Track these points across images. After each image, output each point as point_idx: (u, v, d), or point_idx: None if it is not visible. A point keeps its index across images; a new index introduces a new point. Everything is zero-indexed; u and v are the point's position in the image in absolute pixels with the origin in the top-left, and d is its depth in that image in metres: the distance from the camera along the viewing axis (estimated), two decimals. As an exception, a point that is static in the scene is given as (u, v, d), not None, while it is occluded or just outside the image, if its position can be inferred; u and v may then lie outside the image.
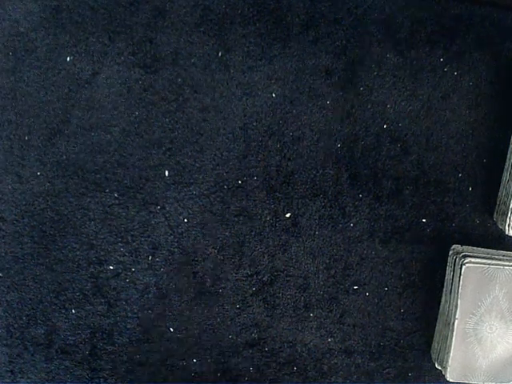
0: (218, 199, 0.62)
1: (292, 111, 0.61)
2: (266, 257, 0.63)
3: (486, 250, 0.64)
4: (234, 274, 0.63)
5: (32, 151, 0.59)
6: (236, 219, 0.62)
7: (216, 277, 0.63)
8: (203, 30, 0.59)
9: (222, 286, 0.63)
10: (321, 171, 0.63)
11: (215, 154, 0.61)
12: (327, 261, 0.64)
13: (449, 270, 0.64)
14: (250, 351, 0.64)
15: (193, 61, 0.60)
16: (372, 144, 0.63)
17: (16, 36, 0.57)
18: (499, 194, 0.64)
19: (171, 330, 0.63)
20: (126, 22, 0.58)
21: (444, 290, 0.64)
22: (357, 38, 0.61)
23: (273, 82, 0.61)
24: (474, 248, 0.64)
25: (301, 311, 0.64)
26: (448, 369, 0.62)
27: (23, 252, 0.60)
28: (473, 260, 0.60)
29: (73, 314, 0.61)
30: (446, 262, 0.64)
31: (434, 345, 0.65)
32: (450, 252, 0.64)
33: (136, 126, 0.60)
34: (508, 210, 0.61)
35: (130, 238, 0.61)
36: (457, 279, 0.61)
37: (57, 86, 0.58)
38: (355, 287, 0.65)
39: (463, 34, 0.62)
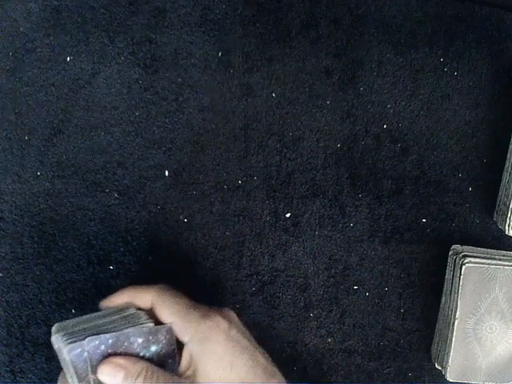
0: (218, 199, 0.62)
1: (292, 111, 0.61)
2: (265, 257, 0.63)
3: (485, 250, 0.64)
4: (233, 274, 0.63)
5: (32, 151, 0.59)
6: (236, 219, 0.62)
7: (216, 277, 0.63)
8: (203, 30, 0.59)
9: (222, 286, 0.63)
10: (321, 171, 0.63)
11: (215, 154, 0.61)
12: (327, 261, 0.64)
13: (449, 270, 0.64)
14: (250, 351, 0.64)
15: (193, 61, 0.60)
16: (372, 144, 0.63)
17: (16, 36, 0.57)
18: (499, 194, 0.64)
19: (171, 330, 0.63)
20: (126, 22, 0.58)
21: (444, 290, 0.64)
22: (357, 38, 0.61)
23: (273, 82, 0.61)
24: (474, 248, 0.64)
25: (301, 311, 0.64)
26: (448, 369, 0.62)
27: (23, 252, 0.60)
28: (473, 260, 0.60)
29: (73, 314, 0.61)
30: (446, 262, 0.64)
31: (434, 345, 0.65)
32: (450, 252, 0.64)
33: (136, 125, 0.60)
34: (508, 210, 0.61)
35: (129, 238, 0.61)
36: (457, 279, 0.61)
37: (57, 85, 0.58)
38: (355, 287, 0.65)
39: (463, 34, 0.62)
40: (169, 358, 0.49)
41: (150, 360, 0.48)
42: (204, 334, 0.49)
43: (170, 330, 0.49)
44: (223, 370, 0.48)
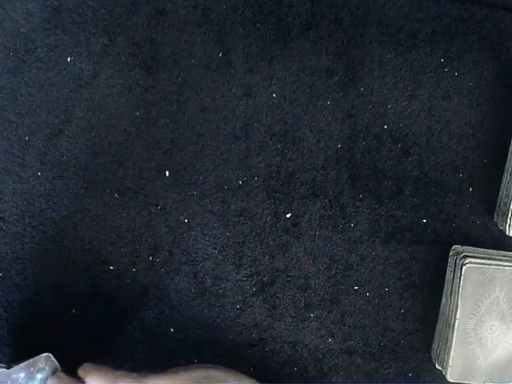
0: (219, 199, 0.62)
1: (292, 112, 0.61)
2: (266, 257, 0.63)
3: (486, 250, 0.64)
4: (234, 275, 0.63)
5: (32, 151, 0.59)
6: (236, 219, 0.62)
7: (216, 277, 0.63)
8: (203, 30, 0.59)
9: (223, 286, 0.63)
10: (321, 172, 0.63)
11: (215, 155, 0.61)
12: (327, 261, 0.64)
13: (449, 270, 0.64)
14: (251, 351, 0.64)
15: (193, 61, 0.60)
16: (372, 144, 0.63)
17: (16, 36, 0.57)
18: (500, 194, 0.64)
19: (171, 330, 0.63)
20: (127, 22, 0.58)
21: (444, 290, 0.64)
22: (357, 38, 0.61)
23: (273, 82, 0.61)
24: (475, 248, 0.64)
25: (301, 311, 0.64)
26: (448, 369, 0.62)
27: (23, 252, 0.60)
28: (473, 260, 0.60)
29: (73, 313, 0.61)
30: (446, 262, 0.64)
31: (435, 345, 0.65)
32: (451, 252, 0.64)
33: (136, 126, 0.60)
34: (508, 210, 0.61)
35: (130, 238, 0.61)
36: (457, 280, 0.61)
37: (57, 86, 0.58)
38: (356, 288, 0.65)
39: (464, 35, 0.62)
40: None
41: None
42: None
43: (48, 357, 0.54)
44: None
